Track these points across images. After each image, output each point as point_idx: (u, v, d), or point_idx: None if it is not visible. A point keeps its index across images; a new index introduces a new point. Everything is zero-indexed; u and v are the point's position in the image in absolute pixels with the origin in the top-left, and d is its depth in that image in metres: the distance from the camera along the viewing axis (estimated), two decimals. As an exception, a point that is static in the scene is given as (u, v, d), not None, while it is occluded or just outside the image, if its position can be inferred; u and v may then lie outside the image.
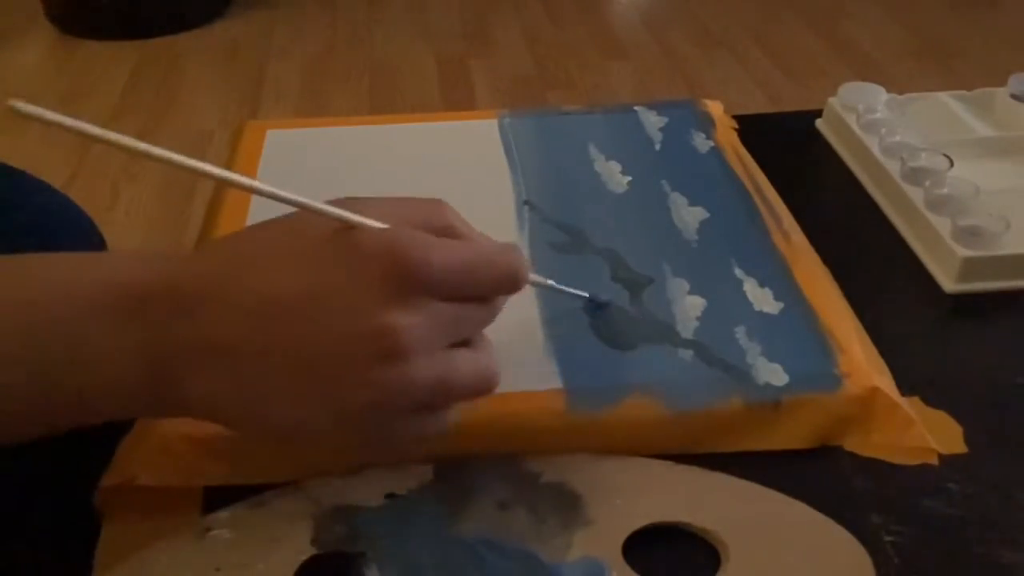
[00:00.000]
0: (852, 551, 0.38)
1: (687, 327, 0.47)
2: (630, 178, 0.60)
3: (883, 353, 0.47)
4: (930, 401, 0.46)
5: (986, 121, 0.68)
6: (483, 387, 0.36)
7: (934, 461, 0.43)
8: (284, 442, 0.41)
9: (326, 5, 2.36)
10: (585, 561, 0.37)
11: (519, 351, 0.45)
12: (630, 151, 0.62)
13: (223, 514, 0.40)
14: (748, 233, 0.54)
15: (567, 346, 0.45)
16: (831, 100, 0.69)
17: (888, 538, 0.39)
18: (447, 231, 0.36)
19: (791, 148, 0.68)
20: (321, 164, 0.62)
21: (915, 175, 0.59)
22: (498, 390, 0.37)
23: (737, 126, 0.67)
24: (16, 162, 0.59)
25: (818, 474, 0.42)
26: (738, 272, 0.51)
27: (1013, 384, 0.47)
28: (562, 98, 1.90)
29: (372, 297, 0.32)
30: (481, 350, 0.36)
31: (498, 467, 0.41)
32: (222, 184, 0.61)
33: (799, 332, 0.47)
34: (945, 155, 0.60)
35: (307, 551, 0.38)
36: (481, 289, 0.35)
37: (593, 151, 0.62)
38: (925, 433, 0.44)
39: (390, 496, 0.40)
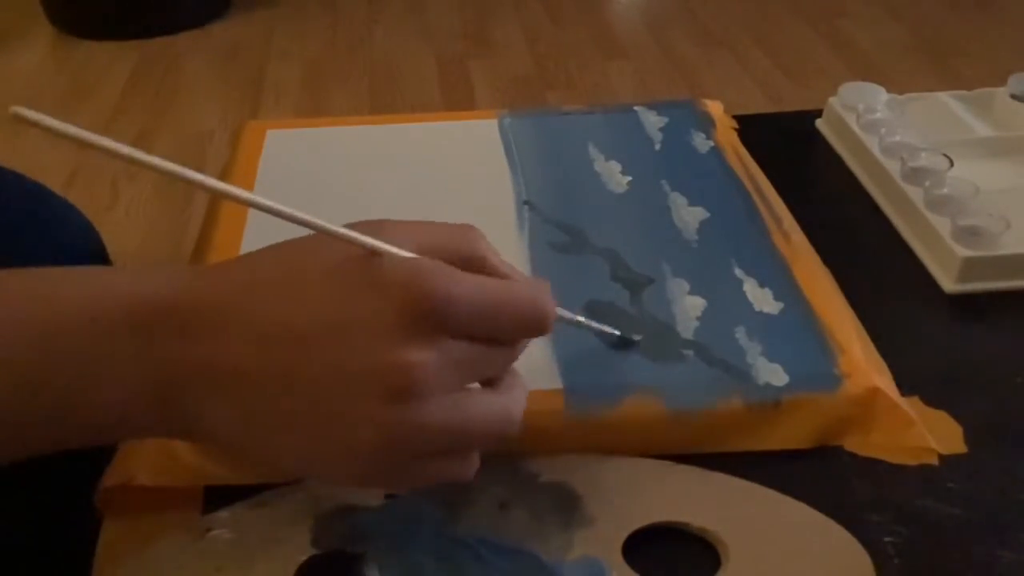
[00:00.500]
0: (852, 551, 0.38)
1: (687, 327, 0.47)
2: (630, 178, 0.60)
3: (883, 353, 0.47)
4: (930, 401, 0.46)
5: (986, 121, 0.68)
6: (502, 433, 0.34)
7: (934, 461, 0.43)
8: (291, 477, 0.40)
9: (326, 5, 2.36)
10: (585, 561, 0.37)
11: (519, 351, 0.45)
12: (630, 151, 0.62)
13: (223, 514, 0.40)
14: (748, 233, 0.54)
15: (567, 346, 0.45)
16: (831, 100, 0.69)
17: (888, 538, 0.39)
18: (476, 261, 0.34)
19: (791, 148, 0.68)
20: (321, 164, 0.62)
21: (915, 175, 0.59)
22: None
23: (737, 126, 0.67)
24: (15, 162, 0.59)
25: (818, 474, 0.42)
26: (738, 272, 0.51)
27: (1013, 384, 0.47)
28: (562, 98, 1.89)
29: (387, 330, 0.31)
30: (504, 392, 0.34)
31: (498, 467, 0.41)
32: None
33: (799, 332, 0.47)
34: (945, 155, 0.60)
35: (307, 551, 0.38)
36: (504, 331, 0.33)
37: (593, 151, 0.62)
38: (925, 433, 0.44)
39: (390, 496, 0.40)
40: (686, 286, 0.50)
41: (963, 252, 0.53)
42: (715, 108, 0.68)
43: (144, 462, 0.41)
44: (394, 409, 0.31)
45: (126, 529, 0.40)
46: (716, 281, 0.50)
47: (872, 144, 0.63)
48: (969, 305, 0.53)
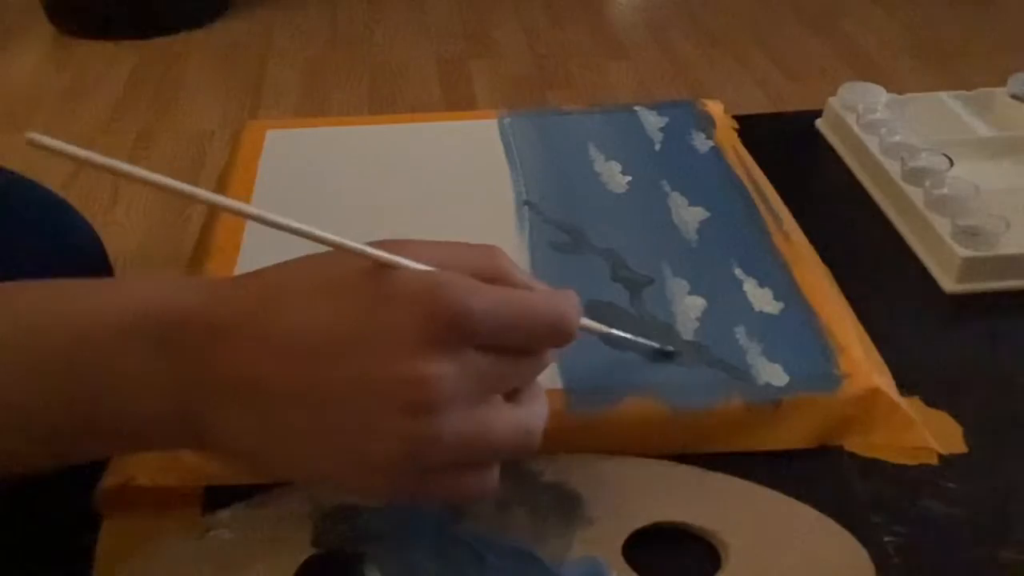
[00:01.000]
0: (852, 551, 0.38)
1: (687, 327, 0.47)
2: (630, 178, 0.60)
3: (883, 353, 0.47)
4: (930, 401, 0.46)
5: (986, 121, 0.68)
6: (522, 447, 0.33)
7: (934, 461, 0.43)
8: (308, 485, 0.40)
9: (326, 5, 2.36)
10: (585, 561, 0.37)
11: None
12: (630, 151, 0.62)
13: (223, 514, 0.40)
14: (748, 233, 0.54)
15: (567, 346, 0.45)
16: (831, 100, 0.69)
17: (888, 538, 0.39)
18: (498, 278, 0.33)
19: (791, 148, 0.68)
20: (321, 164, 0.62)
21: (915, 175, 0.59)
22: None
23: (737, 126, 0.67)
24: (15, 162, 0.59)
25: (818, 474, 0.42)
26: (738, 272, 0.51)
27: (1013, 384, 0.47)
28: (562, 98, 1.89)
29: (405, 343, 0.30)
30: (526, 405, 0.33)
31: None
32: (218, 194, 0.61)
33: (799, 332, 0.47)
34: (945, 155, 0.60)
35: (307, 551, 0.38)
36: (526, 340, 0.33)
37: (593, 151, 0.62)
38: (925, 433, 0.44)
39: (390, 496, 0.40)
40: (686, 286, 0.50)
41: (963, 252, 0.53)
42: (715, 108, 0.68)
43: (144, 462, 0.41)
44: (413, 422, 0.30)
45: (126, 529, 0.40)
46: (716, 281, 0.50)
47: (872, 144, 0.63)
48: (969, 305, 0.53)
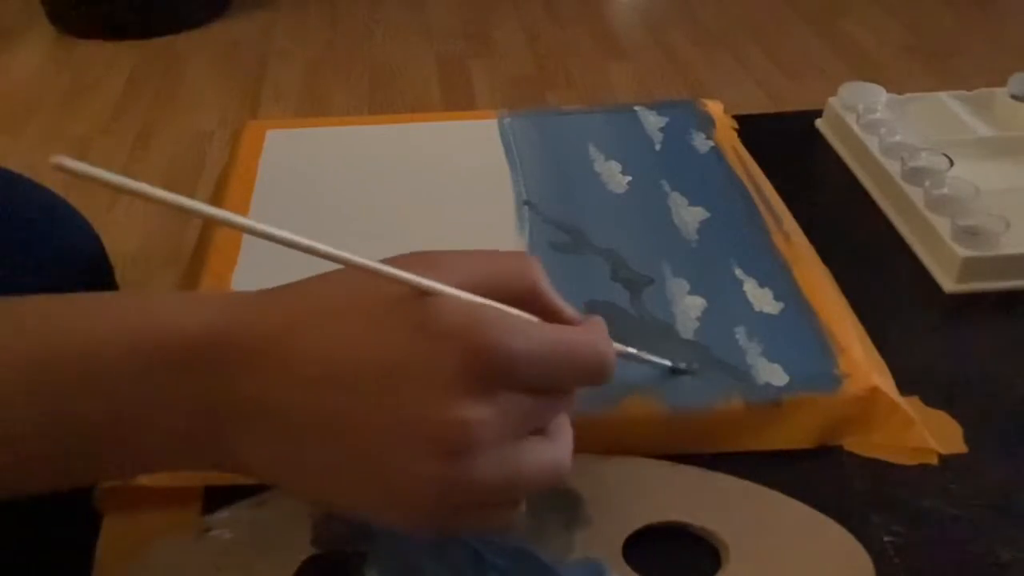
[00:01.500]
0: (852, 551, 0.38)
1: (687, 327, 0.47)
2: (630, 178, 0.60)
3: (883, 353, 0.47)
4: (930, 401, 0.46)
5: (986, 121, 0.68)
6: (552, 482, 0.33)
7: (934, 461, 0.43)
8: (336, 510, 0.39)
9: (326, 5, 2.36)
10: (585, 561, 0.37)
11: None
12: (630, 151, 0.62)
13: (223, 514, 0.40)
14: (748, 233, 0.54)
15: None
16: (831, 100, 0.69)
17: (888, 538, 0.39)
18: (532, 295, 0.33)
19: (791, 148, 0.68)
20: (321, 164, 0.62)
21: (915, 175, 0.59)
22: None
23: (737, 126, 0.67)
24: (15, 163, 0.59)
25: (818, 474, 0.42)
26: (738, 272, 0.51)
27: (1013, 384, 0.47)
28: (562, 98, 1.90)
29: (444, 383, 0.29)
30: (556, 439, 0.33)
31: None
32: (218, 195, 0.61)
33: (799, 332, 0.47)
34: (945, 155, 0.60)
35: (307, 551, 0.38)
36: (564, 382, 0.33)
37: (593, 151, 0.62)
38: (925, 433, 0.44)
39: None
40: (686, 286, 0.50)
41: (963, 252, 0.53)
42: (715, 108, 0.68)
43: (144, 462, 0.41)
44: (447, 465, 0.29)
45: (126, 529, 0.40)
46: (716, 281, 0.50)
47: (872, 144, 0.63)
48: (969, 305, 0.53)
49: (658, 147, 0.63)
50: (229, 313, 0.32)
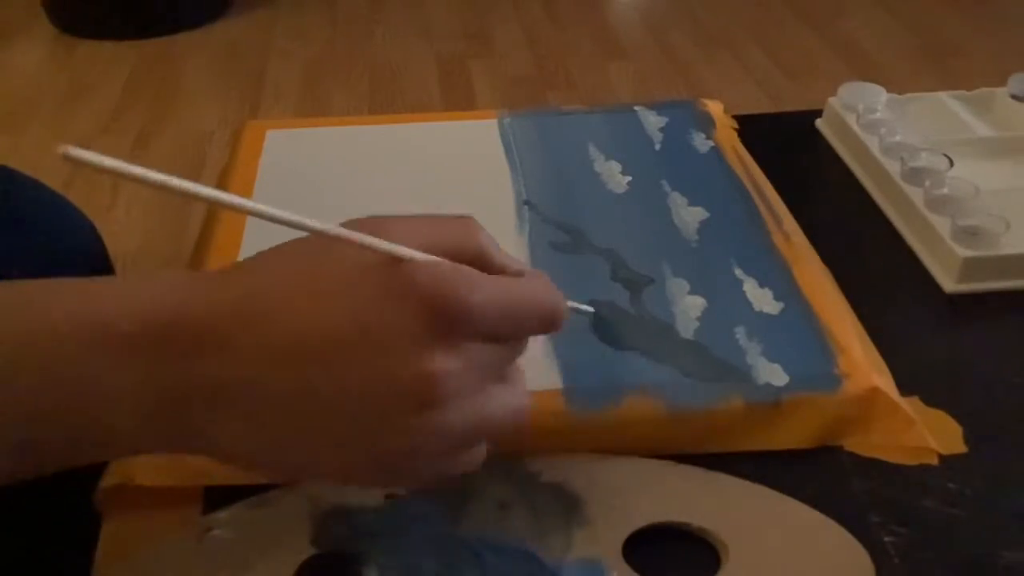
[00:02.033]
0: (852, 551, 0.38)
1: (687, 327, 0.47)
2: (630, 178, 0.60)
3: (883, 353, 0.47)
4: (930, 401, 0.46)
5: (986, 121, 0.68)
6: (516, 425, 0.34)
7: (934, 461, 0.43)
8: (306, 481, 0.40)
9: (326, 5, 2.36)
10: (585, 561, 0.37)
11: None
12: (630, 151, 0.62)
13: (223, 514, 0.40)
14: (748, 233, 0.54)
15: (567, 346, 0.45)
16: (831, 100, 0.69)
17: (888, 538, 0.39)
18: (480, 256, 0.34)
19: (791, 148, 0.68)
20: (321, 164, 0.62)
21: (915, 175, 0.59)
22: None
23: (737, 126, 0.67)
24: (16, 161, 0.59)
25: (818, 474, 0.42)
26: (738, 272, 0.51)
27: (1013, 384, 0.47)
28: (562, 98, 1.90)
29: (411, 340, 0.30)
30: (513, 383, 0.35)
31: (498, 467, 0.41)
32: (224, 186, 0.61)
33: (799, 332, 0.47)
34: (945, 155, 0.60)
35: (307, 551, 0.38)
36: (522, 330, 0.34)
37: (593, 151, 0.62)
38: (925, 433, 0.44)
39: (390, 496, 0.40)
40: (686, 286, 0.50)
41: (963, 252, 0.53)
42: (715, 108, 0.68)
43: (144, 462, 0.41)
44: (422, 417, 0.31)
45: (126, 529, 0.40)
46: (716, 281, 0.50)
47: (872, 144, 0.63)
48: (969, 305, 0.53)
49: (658, 147, 0.63)
50: (188, 292, 0.32)
